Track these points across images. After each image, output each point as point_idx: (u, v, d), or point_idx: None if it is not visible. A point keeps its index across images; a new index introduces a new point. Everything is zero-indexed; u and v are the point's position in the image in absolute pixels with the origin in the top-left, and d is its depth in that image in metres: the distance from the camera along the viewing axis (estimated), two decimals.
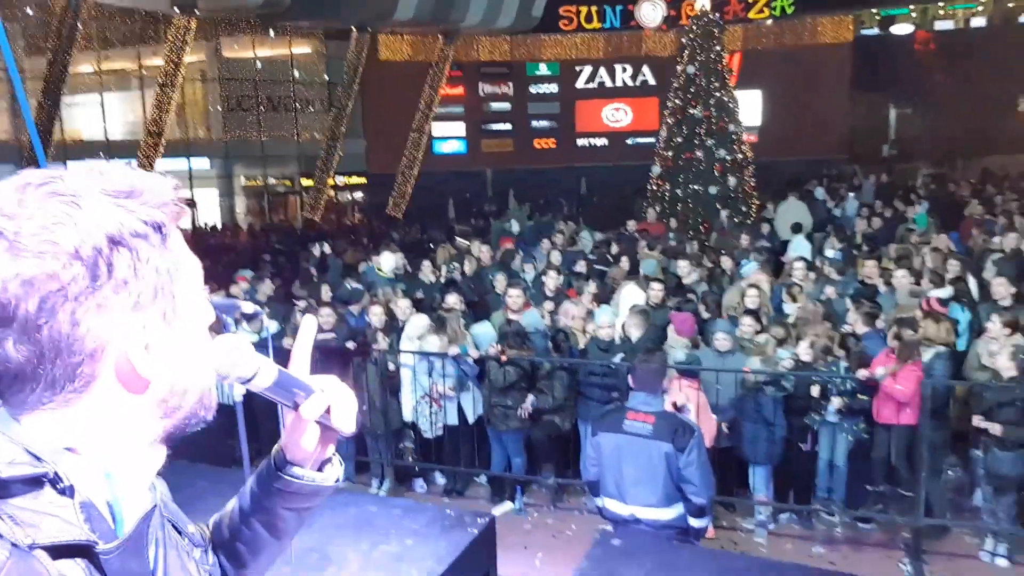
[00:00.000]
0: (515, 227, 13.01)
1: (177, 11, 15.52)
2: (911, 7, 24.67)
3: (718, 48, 14.14)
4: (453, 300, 6.91)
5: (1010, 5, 24.96)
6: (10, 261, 0.71)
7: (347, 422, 1.04)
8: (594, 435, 4.23)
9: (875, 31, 25.10)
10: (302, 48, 22.45)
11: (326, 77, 22.73)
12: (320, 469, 1.09)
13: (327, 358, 6.14)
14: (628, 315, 6.39)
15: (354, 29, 19.64)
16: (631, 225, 12.44)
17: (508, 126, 24.63)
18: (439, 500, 6.50)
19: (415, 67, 21.85)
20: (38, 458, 0.74)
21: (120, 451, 0.81)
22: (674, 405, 4.69)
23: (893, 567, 5.39)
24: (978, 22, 25.26)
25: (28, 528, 0.71)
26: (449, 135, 24.44)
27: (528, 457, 6.51)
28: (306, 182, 22.51)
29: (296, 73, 22.33)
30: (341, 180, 23.77)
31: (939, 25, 25.40)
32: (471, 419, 6.58)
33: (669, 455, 3.89)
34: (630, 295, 7.48)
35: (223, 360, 0.93)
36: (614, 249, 9.99)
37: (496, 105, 24.56)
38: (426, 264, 9.62)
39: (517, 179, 21.95)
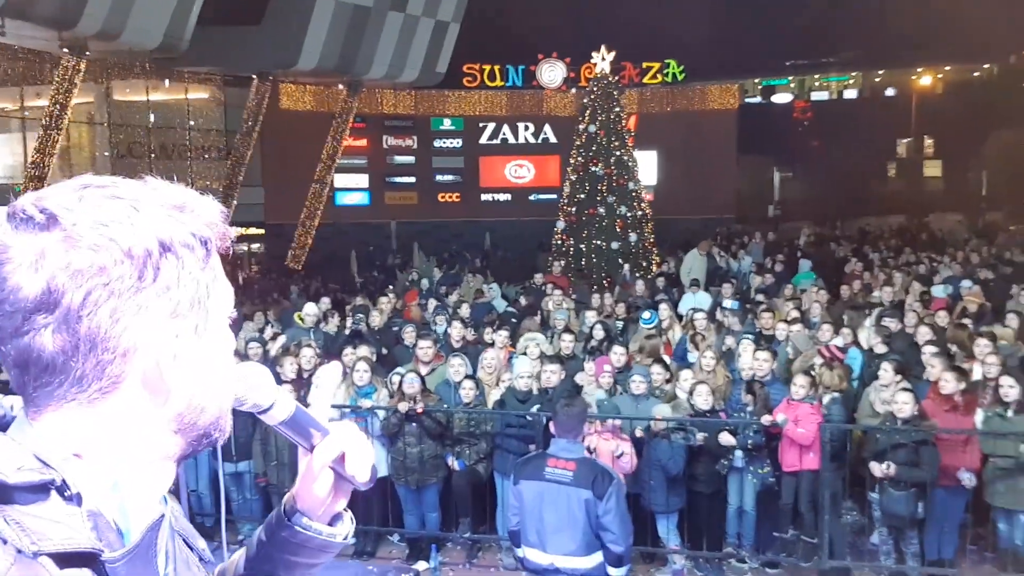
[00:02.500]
0: (424, 282, 12.95)
1: (67, 51, 14.85)
2: (790, 78, 26.68)
3: (617, 109, 14.78)
4: (365, 351, 6.74)
5: (876, 80, 27.43)
6: (64, 250, 0.72)
7: (361, 471, 1.00)
8: (516, 483, 4.19)
9: (758, 99, 26.96)
10: (199, 94, 21.86)
11: (223, 125, 22.17)
12: (332, 524, 1.04)
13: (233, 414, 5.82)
14: (545, 364, 6.42)
15: (255, 77, 19.36)
16: (538, 278, 12.62)
17: (412, 179, 24.70)
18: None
19: (317, 117, 21.68)
20: (47, 464, 0.74)
21: (129, 462, 0.81)
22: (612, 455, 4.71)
23: None
24: (850, 94, 27.62)
25: (34, 535, 0.71)
26: (352, 187, 24.25)
27: (442, 512, 6.35)
28: None
29: (192, 120, 21.68)
30: (237, 231, 22.94)
31: (815, 96, 27.57)
32: (381, 474, 6.36)
33: (589, 502, 3.89)
34: (537, 346, 7.53)
35: (243, 385, 0.94)
36: (523, 301, 10.08)
37: (400, 158, 24.63)
38: (332, 316, 9.40)
39: (422, 232, 21.94)
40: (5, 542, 0.69)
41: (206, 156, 21.58)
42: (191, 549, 0.95)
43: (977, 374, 6.08)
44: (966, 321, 7.84)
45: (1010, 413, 5.36)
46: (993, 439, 5.43)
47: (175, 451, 0.85)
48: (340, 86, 21.12)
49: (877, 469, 5.44)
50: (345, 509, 1.06)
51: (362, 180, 24.44)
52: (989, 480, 5.45)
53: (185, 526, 0.96)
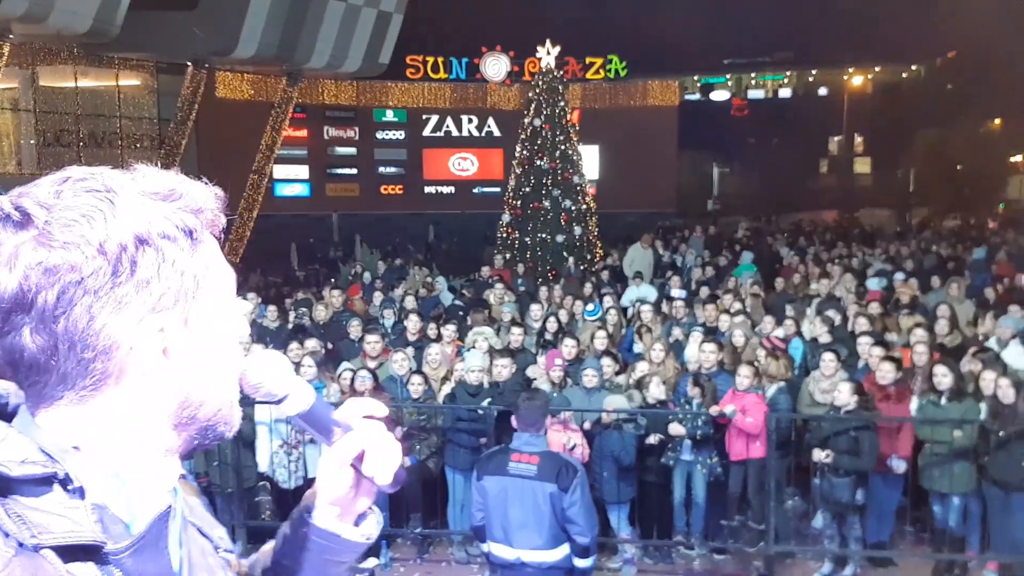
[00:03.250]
0: (367, 276, 12.77)
1: None
2: (728, 76, 27.28)
3: (562, 104, 14.84)
4: (313, 344, 6.60)
5: (810, 79, 28.31)
6: (36, 249, 0.71)
7: (381, 472, 0.95)
8: (479, 479, 4.15)
9: (697, 96, 27.49)
10: (130, 80, 21.03)
11: (156, 113, 21.42)
12: (357, 523, 1.01)
13: None
14: (495, 358, 6.40)
15: (189, 64, 18.74)
16: (485, 271, 12.60)
17: (354, 171, 24.38)
18: None
19: (256, 107, 21.16)
20: (51, 457, 0.73)
21: (130, 456, 0.80)
22: (563, 447, 4.71)
23: None
24: (785, 93, 28.41)
25: (36, 528, 0.70)
26: (292, 178, 23.79)
27: (391, 508, 6.27)
28: None
29: (123, 108, 20.87)
30: None
31: (752, 94, 28.25)
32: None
33: (554, 495, 3.89)
34: (486, 340, 7.51)
35: (254, 374, 0.92)
36: (468, 295, 10.04)
37: (341, 149, 24.27)
38: (271, 309, 9.17)
39: (364, 224, 21.65)
40: (7, 535, 0.69)
41: (138, 145, 20.78)
42: (208, 539, 0.94)
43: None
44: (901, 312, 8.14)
45: (943, 401, 5.58)
46: (928, 426, 5.65)
47: (177, 446, 0.84)
48: (280, 76, 20.62)
49: (818, 455, 5.61)
50: (371, 508, 1.02)
51: (302, 171, 24.00)
52: (924, 466, 5.67)
53: (202, 515, 0.95)
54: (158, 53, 18.66)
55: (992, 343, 7.13)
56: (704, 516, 6.12)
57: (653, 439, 5.89)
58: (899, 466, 5.71)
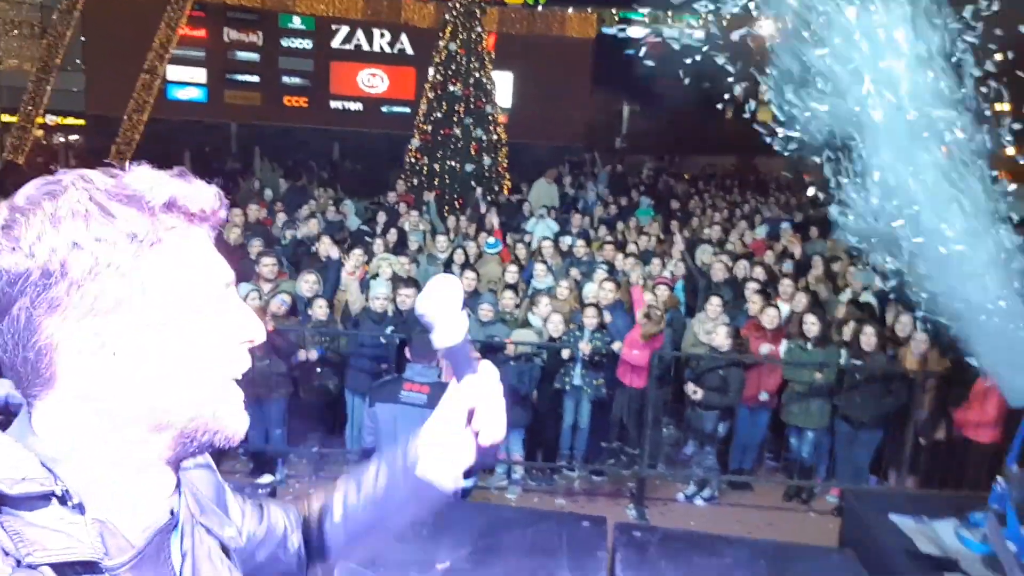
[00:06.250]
0: (268, 192, 12.39)
1: None
2: (644, 13, 27.32)
3: (479, 29, 14.56)
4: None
5: (724, 23, 28.72)
6: None
7: (489, 429, 1.05)
8: (371, 406, 4.32)
9: (614, 31, 27.46)
10: None
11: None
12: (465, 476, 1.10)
13: None
14: (399, 287, 6.50)
15: None
16: (392, 196, 12.48)
17: (256, 78, 23.16)
18: None
19: (151, 1, 19.66)
20: (53, 472, 0.74)
21: (119, 464, 0.80)
22: None
23: (622, 512, 6.16)
24: (699, 35, 28.76)
25: (32, 546, 0.71)
26: (187, 81, 22.42)
27: (290, 426, 6.38)
28: (8, 118, 19.32)
29: None
30: (52, 119, 20.77)
31: (667, 33, 28.46)
32: None
33: None
34: (390, 267, 7.56)
35: (420, 303, 1.00)
36: (380, 219, 9.98)
37: (243, 54, 22.95)
38: None
39: (265, 136, 20.78)
40: (7, 553, 0.70)
41: (16, 32, 19.04)
42: (218, 539, 0.95)
43: (784, 310, 6.85)
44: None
45: (810, 346, 6.15)
46: (793, 367, 6.21)
47: (163, 454, 0.84)
48: None
49: (689, 390, 6.11)
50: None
51: (199, 74, 22.64)
52: (786, 402, 6.26)
53: (212, 514, 0.96)
54: None
55: (869, 296, 7.66)
56: (587, 440, 6.55)
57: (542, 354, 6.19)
58: (763, 396, 6.30)
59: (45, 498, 0.73)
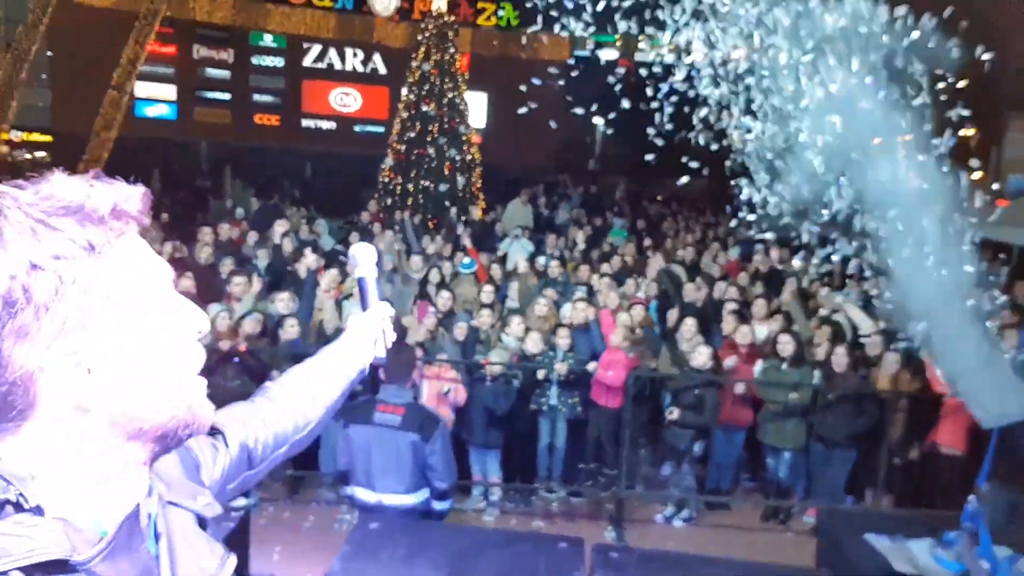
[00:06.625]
0: (239, 211, 12.26)
1: None
2: (616, 36, 27.69)
3: (452, 50, 14.63)
4: (187, 284, 6.37)
5: (691, 49, 29.23)
6: None
7: (375, 348, 1.58)
8: (345, 427, 4.27)
9: (587, 53, 27.76)
10: None
11: (2, 12, 19.32)
12: None
13: None
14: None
15: None
16: (365, 216, 12.42)
17: (226, 96, 23.01)
18: None
19: (119, 16, 19.43)
20: (7, 481, 0.73)
21: (90, 477, 0.79)
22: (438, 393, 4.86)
23: (601, 534, 6.12)
24: (669, 59, 29.18)
25: None
26: (156, 98, 22.20)
27: None
28: None
29: None
30: (17, 135, 20.37)
31: (639, 57, 28.86)
32: None
33: (416, 444, 4.08)
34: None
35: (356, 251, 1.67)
36: (353, 239, 9.89)
37: (213, 72, 22.80)
38: None
39: (235, 154, 20.60)
40: None
41: None
42: (191, 512, 0.95)
43: (759, 331, 6.91)
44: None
45: (784, 366, 6.19)
46: (768, 387, 6.25)
47: (140, 456, 0.83)
48: None
49: (669, 412, 6.11)
50: None
51: (168, 91, 22.44)
52: (762, 422, 6.29)
53: (181, 487, 0.97)
54: None
55: (842, 317, 7.74)
56: (564, 460, 6.53)
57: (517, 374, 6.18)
58: (740, 387, 6.26)
59: (2, 507, 0.72)
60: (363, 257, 1.66)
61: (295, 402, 1.39)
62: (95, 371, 0.76)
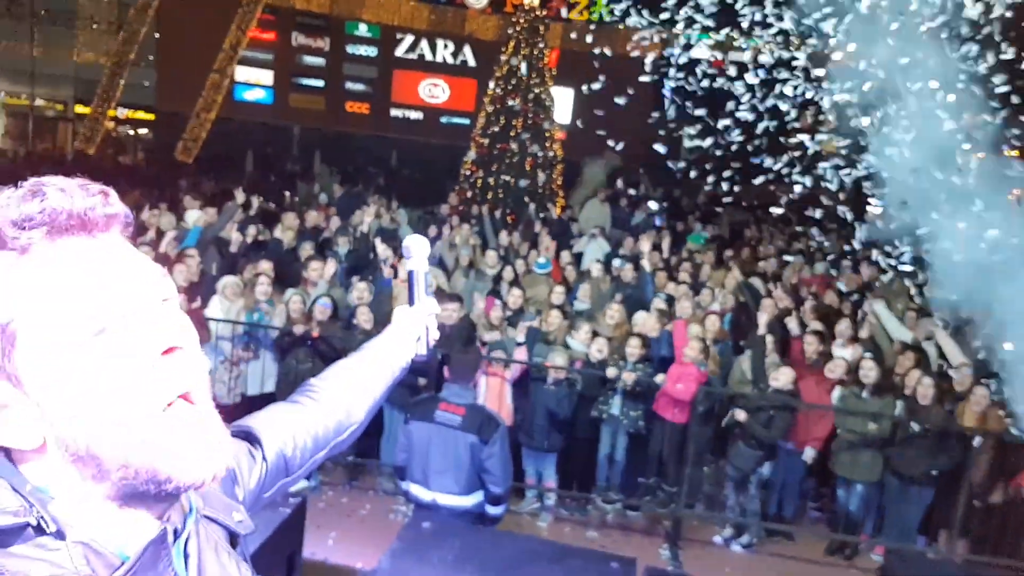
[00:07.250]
0: (323, 197, 12.55)
1: None
2: (709, 34, 27.02)
3: (541, 45, 14.56)
4: (266, 267, 6.54)
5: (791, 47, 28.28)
6: None
7: (422, 342, 1.58)
8: (407, 423, 4.29)
9: (679, 50, 27.23)
10: None
11: None
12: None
13: None
14: (444, 302, 6.46)
15: None
16: (444, 209, 12.51)
17: (320, 83, 23.62)
18: None
19: (223, 2, 20.21)
20: (29, 502, 0.72)
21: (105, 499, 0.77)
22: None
23: (655, 551, 5.99)
24: (764, 59, 28.35)
25: None
26: (254, 82, 22.98)
27: None
28: (81, 109, 20.04)
29: None
30: (123, 112, 21.46)
31: (733, 56, 28.12)
32: (268, 389, 6.31)
33: (474, 446, 4.05)
34: (435, 280, 7.55)
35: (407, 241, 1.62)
36: (431, 231, 9.98)
37: (309, 59, 23.45)
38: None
39: (325, 140, 21.13)
40: None
41: (95, 26, 19.78)
42: (225, 528, 0.94)
43: (845, 354, 6.57)
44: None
45: (865, 394, 5.88)
46: (846, 415, 5.95)
47: (113, 498, 0.77)
48: None
49: (738, 414, 5.90)
50: None
51: (266, 76, 23.19)
52: (836, 450, 6.00)
53: (217, 502, 0.95)
54: None
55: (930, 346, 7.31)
56: (623, 472, 6.40)
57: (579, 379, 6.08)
58: (808, 454, 6.07)
59: (23, 529, 0.71)
60: (416, 249, 1.61)
61: (339, 403, 1.37)
62: (30, 390, 0.71)
